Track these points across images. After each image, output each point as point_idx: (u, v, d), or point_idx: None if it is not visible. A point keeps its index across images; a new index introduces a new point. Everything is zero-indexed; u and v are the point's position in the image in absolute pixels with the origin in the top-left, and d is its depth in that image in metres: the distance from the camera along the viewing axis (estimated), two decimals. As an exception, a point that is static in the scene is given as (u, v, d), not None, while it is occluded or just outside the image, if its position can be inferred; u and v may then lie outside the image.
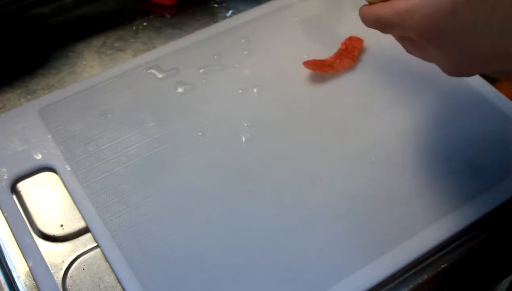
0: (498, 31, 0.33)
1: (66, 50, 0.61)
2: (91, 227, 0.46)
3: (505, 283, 0.60)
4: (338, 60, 0.57)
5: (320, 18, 0.62)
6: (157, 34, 0.63)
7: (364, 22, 0.41)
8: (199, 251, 0.45)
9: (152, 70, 0.57)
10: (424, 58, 0.40)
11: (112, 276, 0.44)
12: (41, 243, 0.46)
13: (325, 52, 0.58)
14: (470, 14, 0.33)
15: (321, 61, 0.57)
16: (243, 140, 0.52)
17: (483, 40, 0.34)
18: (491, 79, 0.56)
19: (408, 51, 0.41)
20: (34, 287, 0.44)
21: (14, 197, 0.48)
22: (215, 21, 0.64)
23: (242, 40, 0.60)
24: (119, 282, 0.43)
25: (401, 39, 0.40)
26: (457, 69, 0.37)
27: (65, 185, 0.49)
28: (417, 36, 0.36)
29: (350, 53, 0.58)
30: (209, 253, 0.45)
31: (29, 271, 0.44)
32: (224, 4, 0.66)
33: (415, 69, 0.56)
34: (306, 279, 0.43)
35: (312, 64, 0.56)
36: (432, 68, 0.55)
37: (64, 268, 0.45)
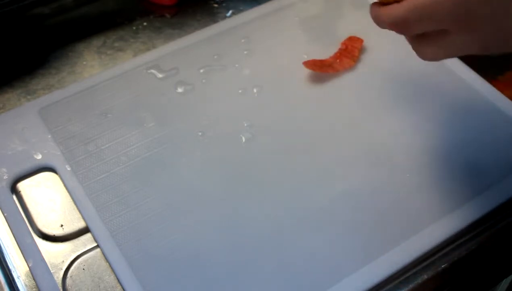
0: None
1: (66, 50, 0.61)
2: (91, 227, 0.46)
3: (505, 283, 0.60)
4: (338, 60, 0.57)
5: (320, 18, 0.62)
6: (157, 34, 0.63)
7: (380, 23, 0.39)
8: (199, 251, 0.45)
9: (152, 70, 0.57)
10: (440, 54, 0.39)
11: (112, 276, 0.44)
12: (41, 243, 0.46)
13: (325, 52, 0.58)
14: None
15: (321, 61, 0.57)
16: (243, 140, 0.52)
17: None
18: (491, 79, 0.56)
19: (422, 53, 0.39)
20: (34, 287, 0.44)
21: (14, 197, 0.48)
22: (215, 21, 0.64)
23: (242, 40, 0.60)
24: (119, 282, 0.43)
25: (416, 39, 0.39)
26: (487, 50, 0.38)
27: (65, 185, 0.49)
28: (448, 24, 0.36)
29: (350, 53, 0.58)
30: (209, 253, 0.45)
31: (29, 271, 0.44)
32: (224, 4, 0.66)
33: (415, 69, 0.56)
34: (306, 279, 0.43)
35: (312, 64, 0.56)
36: (432, 69, 0.56)
37: (64, 268, 0.45)
